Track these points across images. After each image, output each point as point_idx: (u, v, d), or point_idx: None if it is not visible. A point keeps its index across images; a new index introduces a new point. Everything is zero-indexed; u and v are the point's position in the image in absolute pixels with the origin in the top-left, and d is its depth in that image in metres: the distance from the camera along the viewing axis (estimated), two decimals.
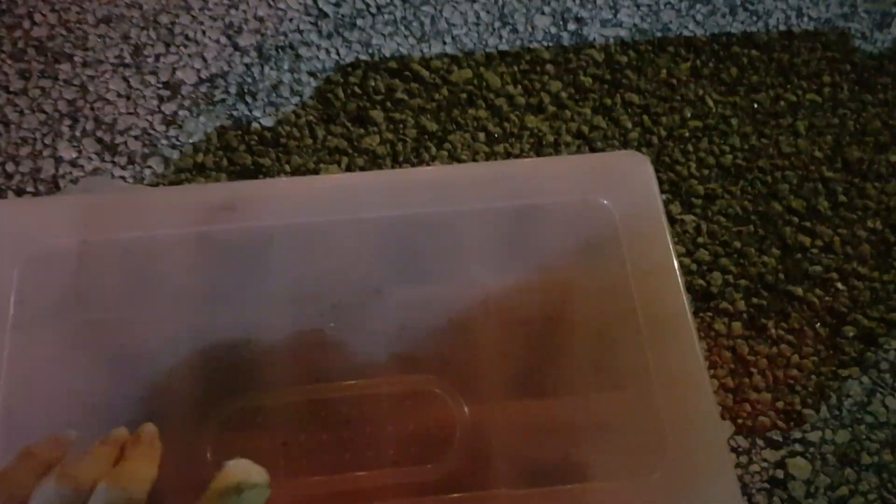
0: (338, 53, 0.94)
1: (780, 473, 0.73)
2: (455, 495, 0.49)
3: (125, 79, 0.91)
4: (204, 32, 0.94)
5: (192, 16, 0.95)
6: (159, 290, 0.55)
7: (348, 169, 0.86)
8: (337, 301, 0.55)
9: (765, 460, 0.74)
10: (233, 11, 0.96)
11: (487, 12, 0.97)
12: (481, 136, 0.89)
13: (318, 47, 0.94)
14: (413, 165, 0.87)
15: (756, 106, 0.92)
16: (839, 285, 0.82)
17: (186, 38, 0.94)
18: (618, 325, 0.55)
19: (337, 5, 0.97)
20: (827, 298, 0.81)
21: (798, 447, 0.75)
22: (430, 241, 0.58)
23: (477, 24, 0.97)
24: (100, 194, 0.72)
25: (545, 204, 0.59)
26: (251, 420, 0.51)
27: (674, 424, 0.49)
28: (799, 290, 0.81)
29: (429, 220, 0.59)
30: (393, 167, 0.87)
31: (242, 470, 0.41)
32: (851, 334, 0.80)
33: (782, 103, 0.92)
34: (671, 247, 0.58)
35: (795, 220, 0.85)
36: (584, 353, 0.52)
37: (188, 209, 0.57)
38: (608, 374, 0.50)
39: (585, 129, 0.90)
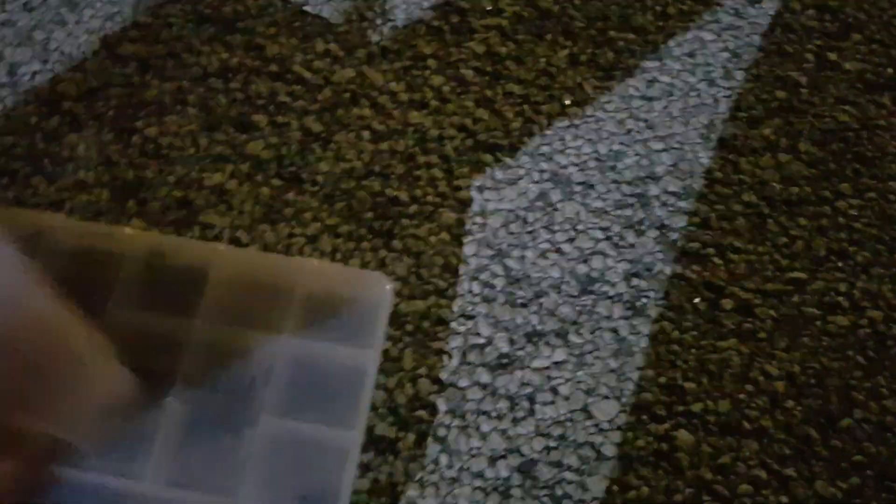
0: (219, 59, 0.93)
1: (664, 446, 0.76)
2: None
3: (2, 99, 0.90)
4: (79, 47, 0.93)
5: (68, 31, 0.94)
6: None
7: (232, 176, 0.86)
8: None
9: (650, 434, 0.76)
10: (108, 24, 0.95)
11: (370, 9, 0.98)
12: (366, 134, 0.90)
13: (200, 53, 0.93)
14: (299, 168, 0.87)
15: (632, 90, 0.94)
16: (716, 260, 0.85)
17: (62, 53, 0.93)
18: None
19: (217, 10, 0.96)
20: (704, 273, 0.84)
21: (682, 419, 0.77)
22: None
23: (360, 21, 0.97)
24: None
25: None
26: None
27: None
28: (677, 268, 0.84)
29: None
30: (279, 171, 0.87)
31: None
32: (729, 307, 0.83)
33: (657, 85, 0.95)
34: None
35: (672, 199, 0.88)
36: None
37: None
38: None
39: (468, 121, 0.91)
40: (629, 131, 0.91)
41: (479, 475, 0.73)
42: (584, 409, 0.77)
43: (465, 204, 0.86)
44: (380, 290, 0.74)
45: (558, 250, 0.84)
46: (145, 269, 0.74)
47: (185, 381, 0.68)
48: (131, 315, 0.71)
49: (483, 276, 0.83)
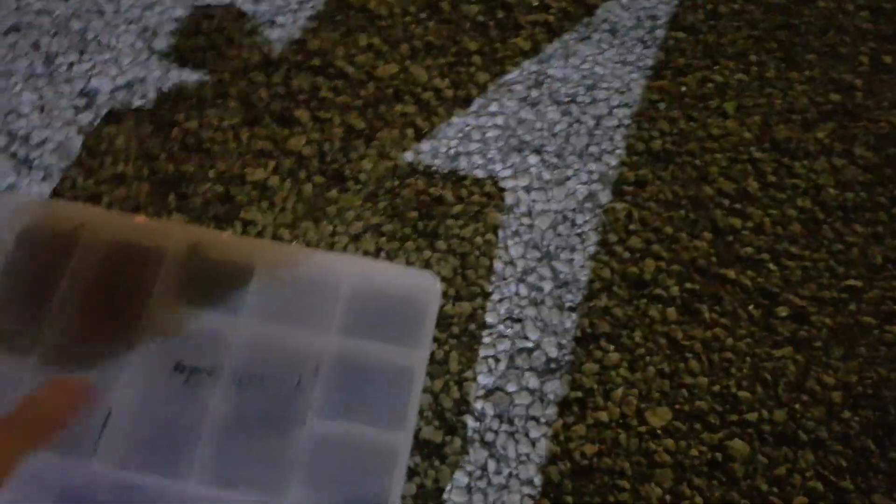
0: (260, 52, 0.91)
1: (719, 456, 0.73)
2: None
3: (38, 89, 0.88)
4: (118, 37, 0.91)
5: (106, 21, 0.92)
6: None
7: (274, 172, 0.84)
8: None
9: (704, 443, 0.74)
10: (147, 14, 0.93)
11: (413, 3, 0.96)
12: (409, 131, 0.88)
13: (240, 46, 0.92)
14: (342, 166, 0.85)
15: (684, 89, 0.92)
16: (770, 266, 0.82)
17: (100, 44, 0.91)
18: None
19: (256, 3, 0.94)
20: (759, 279, 0.82)
21: (736, 429, 0.75)
22: None
23: (404, 15, 0.95)
24: None
25: None
26: None
27: None
28: (731, 273, 0.82)
29: None
30: (321, 168, 0.85)
31: None
32: (784, 314, 0.80)
33: (710, 85, 0.92)
34: None
35: (726, 202, 0.85)
36: None
37: None
38: None
39: (514, 120, 0.89)
40: (681, 131, 0.89)
41: (529, 482, 0.71)
42: (637, 416, 0.74)
43: (512, 204, 0.84)
44: (429, 290, 0.72)
45: (609, 252, 0.82)
46: (188, 263, 0.71)
47: (231, 379, 0.66)
48: (174, 310, 0.69)
49: (530, 279, 0.80)
